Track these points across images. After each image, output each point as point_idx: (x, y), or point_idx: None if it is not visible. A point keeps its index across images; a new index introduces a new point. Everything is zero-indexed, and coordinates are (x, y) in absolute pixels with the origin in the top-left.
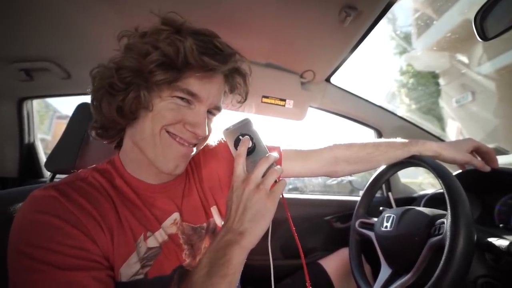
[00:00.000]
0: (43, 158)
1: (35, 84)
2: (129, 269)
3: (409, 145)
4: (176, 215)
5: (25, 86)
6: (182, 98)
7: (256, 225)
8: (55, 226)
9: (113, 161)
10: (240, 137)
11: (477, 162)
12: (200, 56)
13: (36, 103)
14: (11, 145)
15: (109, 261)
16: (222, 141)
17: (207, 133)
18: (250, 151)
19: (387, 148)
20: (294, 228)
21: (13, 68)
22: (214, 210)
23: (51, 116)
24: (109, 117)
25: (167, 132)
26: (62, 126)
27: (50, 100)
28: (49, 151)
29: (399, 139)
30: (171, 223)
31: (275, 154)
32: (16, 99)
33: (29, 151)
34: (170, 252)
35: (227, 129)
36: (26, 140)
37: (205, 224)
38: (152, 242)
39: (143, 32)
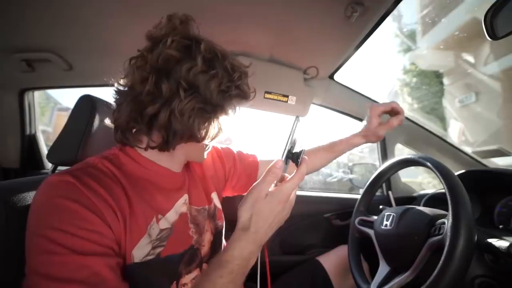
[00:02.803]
0: (44, 149)
1: (37, 75)
2: (141, 250)
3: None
4: (186, 196)
5: (26, 77)
6: None
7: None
8: (73, 210)
9: (124, 149)
10: (292, 148)
11: (390, 124)
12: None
13: (37, 95)
14: (13, 136)
15: (121, 246)
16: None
17: None
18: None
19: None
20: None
21: (15, 59)
22: (214, 196)
23: (52, 108)
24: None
25: None
26: (63, 118)
27: (51, 92)
28: (50, 143)
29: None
30: (183, 203)
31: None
32: (17, 90)
33: (31, 142)
34: (181, 230)
35: (298, 120)
36: (28, 132)
37: (207, 207)
38: (164, 223)
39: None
